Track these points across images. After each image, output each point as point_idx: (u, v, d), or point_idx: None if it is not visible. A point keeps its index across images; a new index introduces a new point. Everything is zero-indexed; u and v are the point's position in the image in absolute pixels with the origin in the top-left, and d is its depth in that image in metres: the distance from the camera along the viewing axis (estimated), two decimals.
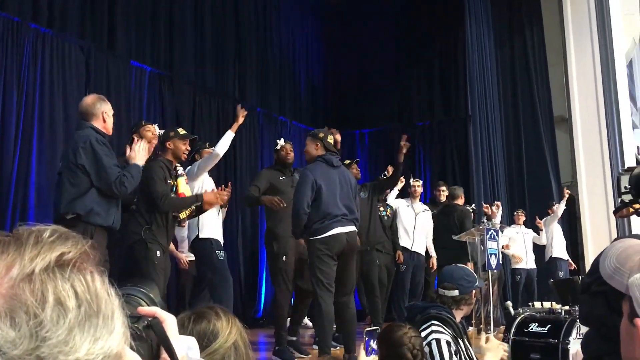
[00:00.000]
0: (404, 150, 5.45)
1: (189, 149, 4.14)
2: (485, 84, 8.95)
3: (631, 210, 2.17)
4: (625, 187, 2.13)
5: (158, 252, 3.80)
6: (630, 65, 12.66)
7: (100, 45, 6.07)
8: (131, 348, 0.62)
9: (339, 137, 4.76)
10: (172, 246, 5.24)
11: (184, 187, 4.07)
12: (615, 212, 2.24)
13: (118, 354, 0.53)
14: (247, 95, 8.14)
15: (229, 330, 1.18)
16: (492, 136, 8.92)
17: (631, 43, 10.89)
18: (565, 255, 8.16)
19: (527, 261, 7.70)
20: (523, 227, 7.93)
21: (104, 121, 3.54)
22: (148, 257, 3.77)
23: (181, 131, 4.09)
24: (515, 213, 8.02)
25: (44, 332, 0.48)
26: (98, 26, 6.09)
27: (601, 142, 9.25)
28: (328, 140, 4.21)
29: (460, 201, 6.76)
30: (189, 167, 4.70)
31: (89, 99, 3.62)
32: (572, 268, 8.09)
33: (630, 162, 9.47)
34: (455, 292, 2.63)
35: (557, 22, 10.07)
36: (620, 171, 2.20)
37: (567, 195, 7.94)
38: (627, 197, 2.13)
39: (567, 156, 9.72)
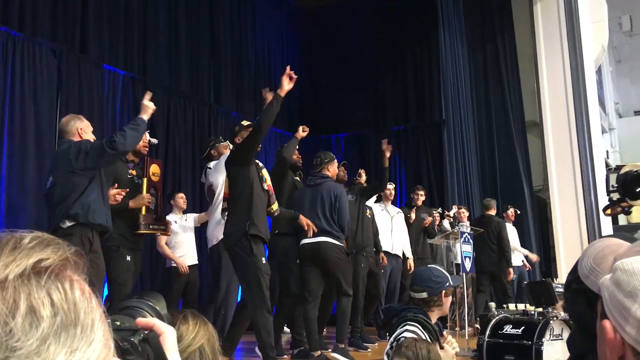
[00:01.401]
0: (387, 154, 5.49)
1: (147, 142, 4.21)
2: (458, 90, 9.07)
3: (618, 209, 2.18)
4: (613, 186, 2.15)
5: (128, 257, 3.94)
6: (599, 72, 12.95)
7: (72, 48, 5.98)
8: None
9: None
10: (167, 250, 5.26)
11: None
12: (604, 210, 2.26)
13: None
14: (222, 100, 8.10)
15: (193, 335, 1.16)
16: (466, 141, 9.04)
17: (600, 50, 11.15)
18: (517, 262, 7.90)
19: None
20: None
21: (80, 137, 3.63)
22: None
23: None
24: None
25: (14, 342, 0.45)
26: (70, 29, 6.00)
27: (571, 147, 9.42)
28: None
29: (493, 212, 7.35)
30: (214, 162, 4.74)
31: (65, 118, 3.76)
32: (528, 269, 8.13)
33: (599, 166, 9.67)
34: (424, 294, 2.61)
35: (529, 29, 10.26)
36: (609, 170, 2.23)
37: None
38: (615, 196, 2.15)
39: (539, 160, 9.90)
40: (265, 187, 4.05)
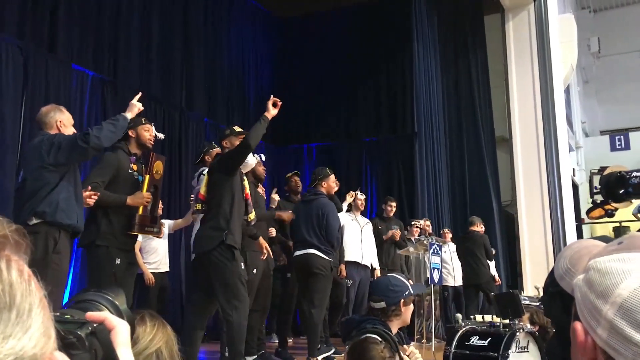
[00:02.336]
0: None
1: (154, 135, 3.91)
2: (431, 103, 9.16)
3: (601, 211, 2.15)
4: (596, 187, 2.13)
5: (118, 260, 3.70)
6: (567, 91, 13.23)
7: (40, 46, 5.84)
8: (69, 356, 0.55)
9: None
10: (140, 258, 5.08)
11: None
12: (587, 213, 2.24)
13: (35, 357, 0.46)
14: (194, 105, 8.01)
15: (150, 337, 1.11)
16: (437, 154, 9.12)
17: (569, 69, 11.40)
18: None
19: (454, 279, 7.76)
20: (451, 244, 8.04)
21: (59, 130, 3.44)
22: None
23: (144, 120, 3.91)
24: (442, 231, 8.10)
25: None
26: (38, 27, 5.86)
27: (539, 163, 9.59)
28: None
29: (477, 227, 8.02)
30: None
31: (45, 108, 3.53)
32: (497, 283, 8.34)
33: (566, 183, 9.87)
34: (382, 304, 2.55)
35: (500, 47, 10.46)
36: (592, 171, 2.21)
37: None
38: (598, 198, 2.13)
39: (508, 175, 10.04)
40: (244, 196, 4.06)
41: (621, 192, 1.96)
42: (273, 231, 5.48)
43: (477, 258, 7.78)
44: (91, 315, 0.67)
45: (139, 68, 7.11)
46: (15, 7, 5.61)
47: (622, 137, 16.44)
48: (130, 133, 3.80)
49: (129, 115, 3.55)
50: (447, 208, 9.09)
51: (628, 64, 17.70)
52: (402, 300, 2.56)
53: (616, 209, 2.07)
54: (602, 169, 2.09)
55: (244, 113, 9.16)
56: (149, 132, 3.86)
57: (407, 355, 2.53)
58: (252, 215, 4.18)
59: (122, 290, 0.78)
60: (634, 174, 1.92)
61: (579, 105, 15.88)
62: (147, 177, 3.78)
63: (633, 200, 1.99)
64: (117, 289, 0.76)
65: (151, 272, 5.38)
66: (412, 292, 2.62)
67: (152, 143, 3.92)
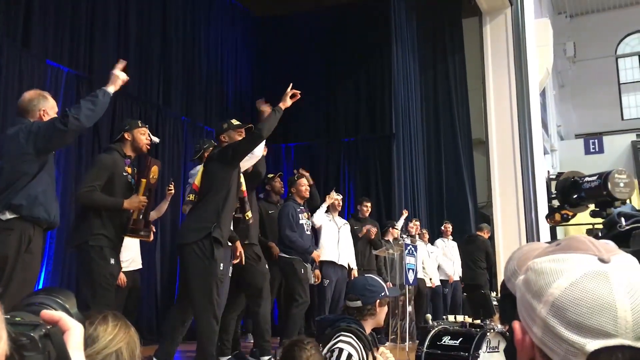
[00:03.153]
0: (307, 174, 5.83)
1: (149, 141, 3.86)
2: (409, 105, 9.22)
3: (558, 217, 2.17)
4: (553, 193, 2.15)
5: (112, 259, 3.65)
6: (543, 94, 13.42)
7: (14, 41, 5.74)
8: (21, 358, 0.54)
9: None
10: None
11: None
12: (546, 218, 2.27)
13: None
14: (171, 103, 7.95)
15: (111, 337, 1.10)
16: (415, 154, 9.18)
17: (545, 73, 11.57)
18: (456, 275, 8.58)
19: (432, 278, 7.91)
20: (429, 244, 8.17)
21: (41, 119, 3.25)
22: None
23: (140, 123, 3.89)
24: (422, 231, 8.21)
25: None
26: (12, 21, 5.76)
27: (514, 165, 9.71)
28: None
29: (483, 234, 8.52)
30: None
31: (28, 94, 3.34)
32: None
33: (540, 185, 10.01)
34: (358, 303, 2.58)
35: (478, 50, 10.56)
36: (550, 177, 2.23)
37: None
38: (555, 203, 2.16)
39: (484, 177, 10.15)
40: (241, 194, 4.01)
41: (575, 197, 1.99)
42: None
43: (477, 261, 8.20)
44: (45, 314, 0.66)
45: (115, 64, 7.01)
46: None
47: (596, 140, 16.74)
48: (126, 136, 3.79)
49: (112, 89, 3.34)
50: (423, 209, 9.16)
51: (603, 69, 18.03)
52: (378, 300, 2.60)
53: (573, 215, 2.10)
54: (559, 174, 2.12)
55: (222, 111, 9.12)
56: (145, 136, 3.83)
57: (380, 355, 2.55)
58: (249, 214, 4.10)
59: (72, 293, 0.77)
60: (586, 179, 1.96)
61: (554, 109, 16.12)
62: (144, 181, 3.73)
63: (589, 205, 2.02)
64: (66, 292, 0.75)
65: (123, 271, 5.30)
66: (387, 293, 2.66)
67: (148, 147, 3.88)
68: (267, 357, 4.58)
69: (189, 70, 8.35)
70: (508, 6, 10.11)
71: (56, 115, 3.36)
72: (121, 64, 3.48)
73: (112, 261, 3.63)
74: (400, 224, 7.61)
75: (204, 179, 3.89)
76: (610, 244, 0.70)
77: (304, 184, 5.60)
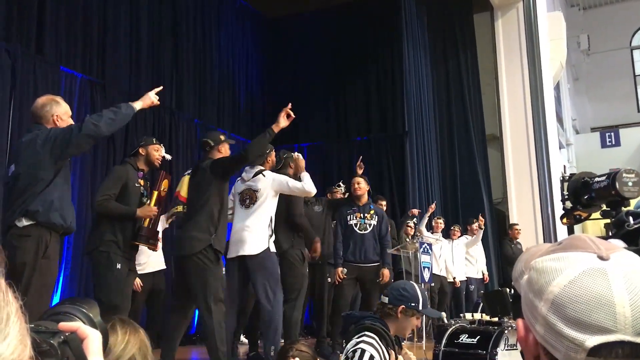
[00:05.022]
0: (359, 172, 5.66)
1: (161, 156, 4.16)
2: (421, 102, 9.18)
3: (572, 218, 2.14)
4: (565, 194, 2.13)
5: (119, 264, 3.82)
6: (557, 88, 13.30)
7: (28, 49, 5.81)
8: None
9: None
10: None
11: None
12: (561, 219, 2.24)
13: None
14: (184, 106, 7.99)
15: (123, 345, 1.10)
16: (428, 153, 9.14)
17: (558, 67, 11.45)
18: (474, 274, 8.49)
19: (456, 277, 7.87)
20: (455, 240, 8.12)
21: (55, 125, 3.27)
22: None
23: (155, 140, 4.20)
24: (452, 228, 8.20)
25: None
26: (26, 29, 5.82)
27: (530, 161, 9.64)
28: None
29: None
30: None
31: (41, 100, 3.37)
32: (486, 281, 8.47)
33: (556, 180, 9.91)
34: (386, 299, 2.56)
35: (490, 45, 10.50)
36: (562, 178, 2.20)
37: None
38: (567, 205, 2.13)
39: (499, 173, 10.08)
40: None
41: (586, 197, 1.96)
42: None
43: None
44: (64, 325, 0.69)
45: (128, 69, 7.08)
46: (2, 10, 5.57)
47: (612, 133, 16.54)
48: (140, 150, 4.10)
49: (138, 105, 3.43)
50: (438, 207, 9.10)
51: (618, 61, 17.81)
52: (403, 307, 2.51)
53: (587, 216, 2.07)
54: (571, 175, 2.09)
55: (234, 113, 9.16)
56: (158, 152, 4.14)
57: (402, 356, 2.55)
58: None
59: (95, 302, 0.79)
60: (596, 179, 1.93)
61: (569, 103, 15.96)
62: (156, 193, 4.05)
63: (602, 206, 1.99)
64: (90, 301, 0.78)
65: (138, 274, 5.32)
66: (419, 307, 2.54)
67: (160, 162, 4.19)
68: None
69: (201, 73, 8.39)
70: (520, 0, 10.03)
71: (70, 120, 3.40)
72: (157, 89, 3.63)
73: (119, 266, 3.81)
74: (423, 223, 7.57)
75: (194, 189, 4.01)
76: (613, 243, 0.70)
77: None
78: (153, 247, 4.26)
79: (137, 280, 5.15)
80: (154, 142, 4.17)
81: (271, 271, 4.16)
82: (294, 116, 3.95)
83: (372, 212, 5.44)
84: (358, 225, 5.40)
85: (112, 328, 1.10)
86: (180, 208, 4.26)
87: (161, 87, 3.69)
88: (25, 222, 3.13)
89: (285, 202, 4.63)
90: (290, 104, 3.97)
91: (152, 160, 4.09)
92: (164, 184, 4.15)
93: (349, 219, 5.40)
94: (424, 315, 5.68)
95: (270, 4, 9.83)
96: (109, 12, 6.83)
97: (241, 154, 3.97)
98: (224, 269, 4.02)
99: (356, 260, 5.29)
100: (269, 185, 4.34)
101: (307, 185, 4.42)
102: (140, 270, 5.33)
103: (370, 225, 5.39)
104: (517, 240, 8.50)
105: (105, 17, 6.79)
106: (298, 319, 4.68)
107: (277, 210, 4.39)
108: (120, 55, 6.94)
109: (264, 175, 4.37)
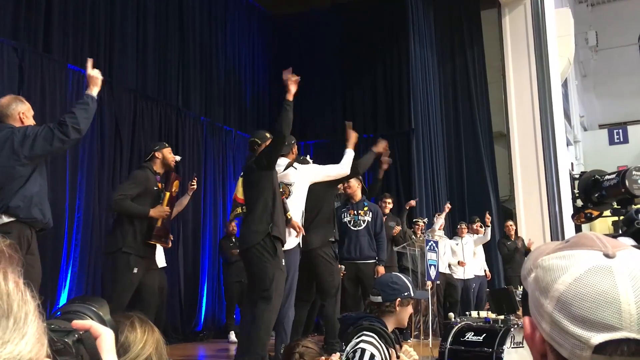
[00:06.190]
0: (385, 167, 5.66)
1: (177, 158, 4.52)
2: (428, 100, 9.15)
3: (582, 216, 2.13)
4: (576, 193, 2.12)
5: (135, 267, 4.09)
6: (565, 85, 13.23)
7: (36, 47, 5.84)
8: None
9: None
10: None
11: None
12: (572, 217, 2.23)
13: None
14: (190, 104, 8.01)
15: (142, 344, 1.10)
16: (434, 150, 9.12)
17: (566, 63, 11.39)
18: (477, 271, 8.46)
19: (464, 272, 7.87)
20: (463, 238, 8.11)
21: (22, 122, 3.37)
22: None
23: (166, 144, 4.56)
24: (458, 226, 8.19)
25: None
26: (33, 28, 5.85)
27: (537, 158, 9.60)
28: None
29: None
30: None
31: (5, 99, 3.46)
32: (489, 279, 8.45)
33: (564, 178, 9.87)
34: (379, 299, 2.54)
35: (497, 42, 10.45)
36: (573, 176, 2.20)
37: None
38: (579, 203, 2.12)
39: (506, 171, 10.04)
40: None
41: (596, 195, 1.96)
42: None
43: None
44: (77, 323, 0.70)
45: (134, 67, 7.10)
46: (9, 8, 5.60)
47: (620, 130, 16.45)
48: (156, 155, 4.40)
49: (95, 91, 3.50)
50: (444, 204, 9.09)
51: (626, 57, 17.70)
52: (399, 299, 2.53)
53: (599, 214, 2.06)
54: (582, 173, 2.08)
55: (241, 110, 9.17)
56: (171, 154, 4.47)
57: (403, 353, 2.54)
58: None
59: (105, 300, 0.80)
60: (607, 177, 1.92)
61: (577, 99, 15.88)
62: (167, 194, 4.33)
63: (613, 204, 1.98)
64: (100, 300, 0.79)
65: None
66: (412, 294, 2.58)
67: (174, 163, 4.54)
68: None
69: (207, 71, 8.41)
70: None
71: (32, 119, 3.47)
72: (90, 62, 3.59)
73: (135, 270, 4.05)
74: (439, 224, 7.57)
75: (248, 189, 4.19)
76: (623, 241, 0.70)
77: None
78: (166, 245, 4.56)
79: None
80: (166, 145, 4.54)
81: (290, 269, 4.22)
82: (297, 77, 4.11)
83: (365, 208, 5.49)
84: (352, 222, 5.45)
85: (131, 326, 1.11)
86: (239, 210, 4.47)
87: (92, 60, 3.63)
88: (5, 219, 3.16)
89: (317, 198, 4.68)
90: (291, 68, 4.15)
91: (168, 162, 4.42)
92: (175, 185, 4.44)
93: (342, 217, 5.45)
94: (429, 314, 5.72)
95: (276, 2, 9.83)
96: (116, 10, 6.85)
97: (276, 137, 4.03)
98: (283, 261, 4.00)
99: (352, 257, 5.33)
100: (303, 176, 4.43)
101: (345, 163, 4.61)
102: None
103: (364, 221, 5.43)
104: (513, 237, 8.43)
105: (112, 15, 6.81)
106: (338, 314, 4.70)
107: (307, 207, 4.44)
108: (127, 53, 6.96)
109: (295, 168, 4.43)
